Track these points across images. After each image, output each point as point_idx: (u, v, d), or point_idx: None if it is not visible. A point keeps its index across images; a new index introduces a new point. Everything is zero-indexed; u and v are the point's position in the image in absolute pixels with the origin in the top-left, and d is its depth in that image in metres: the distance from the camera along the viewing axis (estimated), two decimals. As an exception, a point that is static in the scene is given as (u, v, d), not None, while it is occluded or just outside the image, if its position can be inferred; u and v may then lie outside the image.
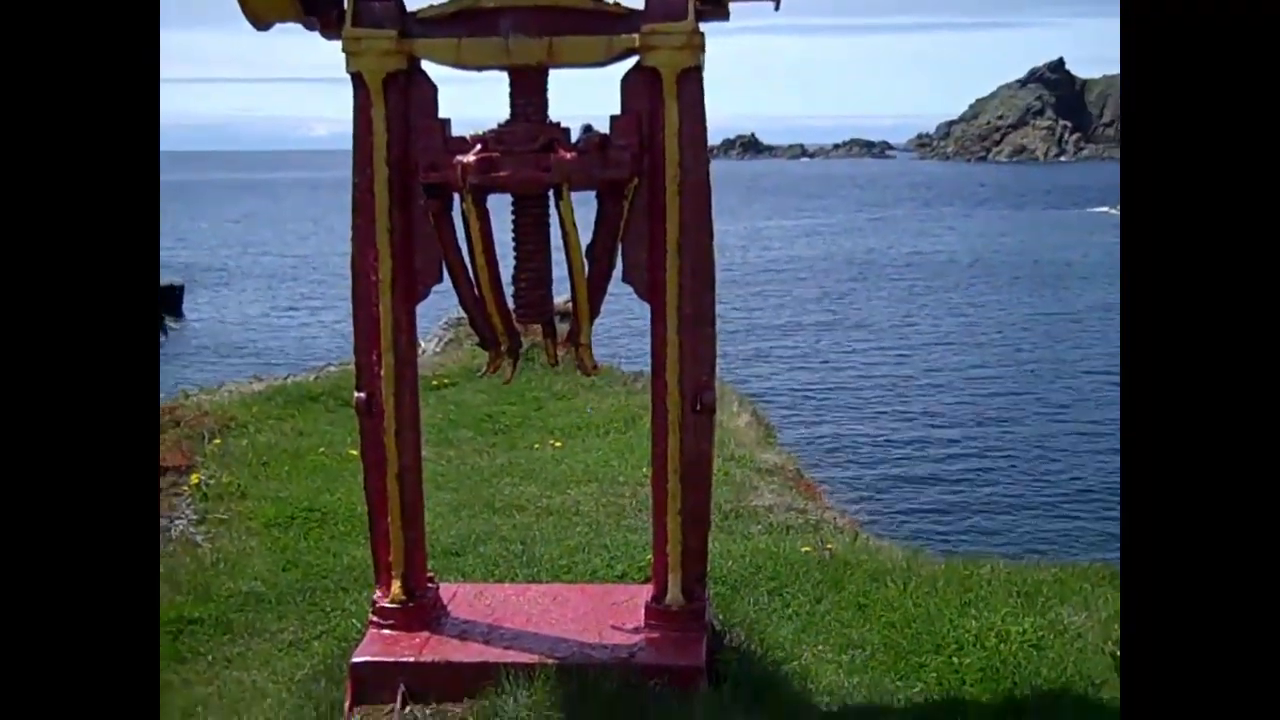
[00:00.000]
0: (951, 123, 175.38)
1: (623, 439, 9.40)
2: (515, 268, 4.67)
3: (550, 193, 4.54)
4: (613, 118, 4.55)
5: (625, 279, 4.70)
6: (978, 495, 16.62)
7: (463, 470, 8.42)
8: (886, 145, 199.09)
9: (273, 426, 9.32)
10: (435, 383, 11.02)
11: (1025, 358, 27.12)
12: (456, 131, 4.52)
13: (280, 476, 8.00)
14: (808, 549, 6.39)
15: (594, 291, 4.63)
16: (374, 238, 4.52)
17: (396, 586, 4.72)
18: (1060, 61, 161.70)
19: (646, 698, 4.35)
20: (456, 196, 4.53)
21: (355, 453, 8.62)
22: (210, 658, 5.25)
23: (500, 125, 4.55)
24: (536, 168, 4.42)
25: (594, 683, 4.34)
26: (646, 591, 5.04)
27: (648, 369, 4.79)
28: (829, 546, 6.50)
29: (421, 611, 4.77)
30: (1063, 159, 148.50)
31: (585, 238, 4.60)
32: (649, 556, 6.12)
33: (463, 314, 16.34)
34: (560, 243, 4.57)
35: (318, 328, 34.09)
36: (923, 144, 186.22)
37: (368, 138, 4.50)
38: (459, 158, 4.36)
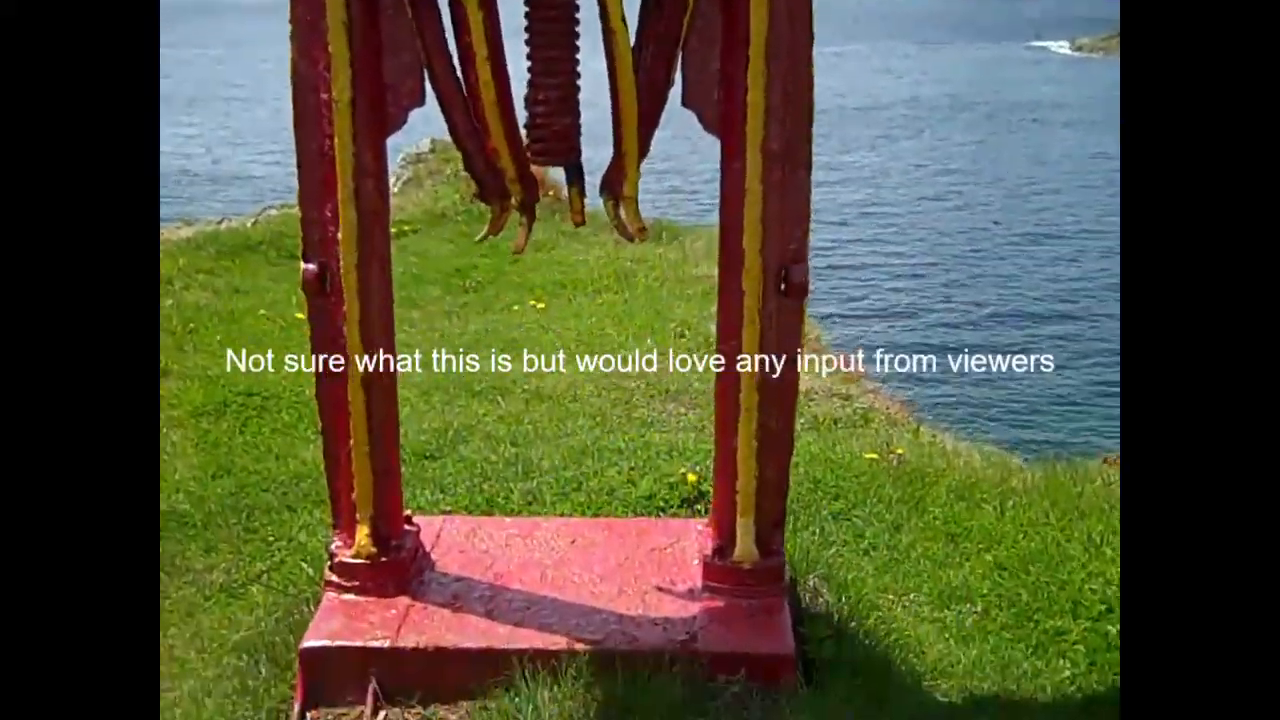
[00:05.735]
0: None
1: (617, 300, 8.07)
2: (530, 85, 3.23)
3: None
4: None
5: (686, 103, 3.28)
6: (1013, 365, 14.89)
7: (431, 338, 7.05)
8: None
9: (203, 283, 7.89)
10: (394, 230, 9.58)
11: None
12: None
13: (211, 348, 6.57)
14: (872, 455, 5.13)
15: (645, 120, 3.21)
16: (324, 34, 3.05)
17: (363, 535, 3.37)
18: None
19: (717, 702, 3.12)
20: (445, -22, 3.06)
21: (304, 316, 7.32)
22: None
23: None
24: None
25: (645, 683, 3.09)
26: (695, 529, 3.78)
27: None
28: (897, 451, 5.24)
29: (398, 569, 3.43)
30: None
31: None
32: (679, 469, 4.83)
33: (422, 148, 13.98)
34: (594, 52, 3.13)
35: (260, 163, 31.37)
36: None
37: (311, -118, 2.99)
38: None
